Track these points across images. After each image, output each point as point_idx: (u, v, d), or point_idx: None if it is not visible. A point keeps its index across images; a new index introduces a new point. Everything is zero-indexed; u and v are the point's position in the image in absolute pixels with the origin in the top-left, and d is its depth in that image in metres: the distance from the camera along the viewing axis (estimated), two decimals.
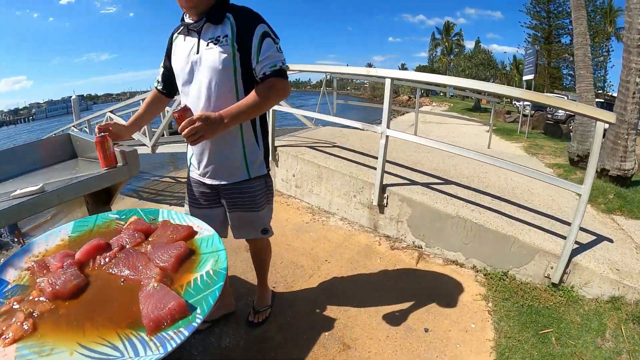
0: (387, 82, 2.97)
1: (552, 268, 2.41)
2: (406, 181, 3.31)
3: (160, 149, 6.64)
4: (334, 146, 4.29)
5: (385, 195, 3.12)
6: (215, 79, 1.52)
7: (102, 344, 0.51)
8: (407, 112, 13.87)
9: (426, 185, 3.26)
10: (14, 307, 0.55)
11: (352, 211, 3.47)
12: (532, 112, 13.80)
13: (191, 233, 0.70)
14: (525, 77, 13.73)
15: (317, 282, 2.56)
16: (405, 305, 2.34)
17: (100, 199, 1.79)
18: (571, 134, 6.88)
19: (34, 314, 0.54)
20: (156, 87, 1.83)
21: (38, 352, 0.49)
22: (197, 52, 1.54)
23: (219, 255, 0.64)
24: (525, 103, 14.51)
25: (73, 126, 10.58)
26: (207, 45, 1.52)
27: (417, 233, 3.02)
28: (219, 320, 2.17)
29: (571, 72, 30.90)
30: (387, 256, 2.90)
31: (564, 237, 2.41)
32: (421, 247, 3.00)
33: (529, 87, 12.85)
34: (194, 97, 1.58)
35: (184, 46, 1.60)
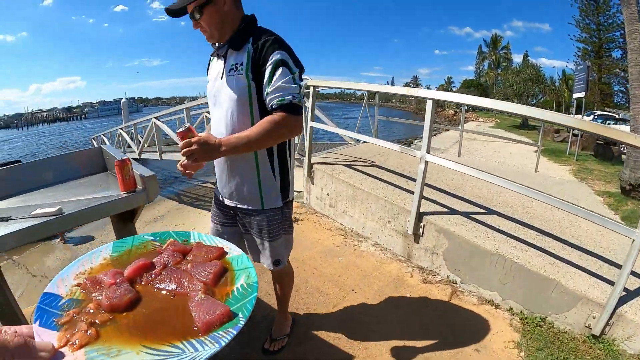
0: (429, 104, 2.80)
1: (594, 318, 2.16)
2: (445, 209, 3.10)
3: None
4: (372, 165, 4.13)
5: (422, 224, 2.94)
6: (232, 107, 1.52)
7: (164, 344, 0.56)
8: (451, 130, 13.45)
9: (466, 214, 3.03)
10: (74, 317, 0.59)
11: (386, 237, 3.31)
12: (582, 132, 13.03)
13: (222, 253, 0.79)
14: (575, 95, 13.09)
15: (341, 313, 2.43)
16: (432, 346, 2.17)
17: (123, 217, 1.76)
18: (623, 157, 6.35)
19: (94, 323, 0.58)
20: None
21: (106, 354, 0.53)
22: (222, 78, 1.54)
23: (250, 271, 0.73)
24: None
25: (121, 128, 11.19)
26: (229, 72, 1.51)
27: (452, 267, 2.82)
28: (234, 338, 2.10)
29: (622, 88, 29.19)
30: (418, 290, 2.71)
31: (610, 283, 2.18)
32: (455, 283, 2.79)
33: (579, 106, 12.16)
34: (217, 119, 1.60)
35: (214, 69, 1.62)
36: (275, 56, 1.43)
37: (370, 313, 2.44)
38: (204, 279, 0.71)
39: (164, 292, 0.69)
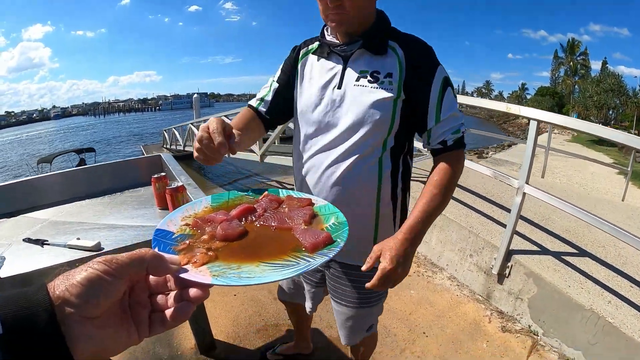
0: (532, 125, 2.43)
1: None
2: (533, 246, 2.72)
3: (269, 159, 6.61)
4: None
5: (510, 264, 2.59)
6: (361, 132, 1.11)
7: (278, 259, 0.60)
8: (521, 144, 12.50)
9: (557, 255, 2.64)
10: (190, 245, 0.61)
11: (465, 272, 2.98)
12: None
13: (310, 203, 0.83)
14: None
15: None
16: None
17: None
18: None
19: (210, 249, 0.60)
20: (256, 108, 1.30)
21: (227, 267, 0.56)
22: (340, 87, 1.13)
23: (337, 214, 0.76)
24: None
25: (191, 123, 11.62)
26: (358, 80, 1.11)
27: (536, 317, 2.45)
28: (291, 358, 2.09)
29: None
30: (495, 340, 2.38)
31: None
32: (537, 335, 2.42)
33: None
34: (323, 148, 1.17)
35: (319, 74, 1.19)
36: (441, 74, 1.09)
37: None
38: (301, 218, 0.75)
39: (268, 227, 0.73)
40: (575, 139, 20.62)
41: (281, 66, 1.31)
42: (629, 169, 6.84)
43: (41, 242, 1.36)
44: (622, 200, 6.44)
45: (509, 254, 2.60)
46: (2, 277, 1.13)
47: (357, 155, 1.12)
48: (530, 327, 2.46)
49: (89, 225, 1.53)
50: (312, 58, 1.22)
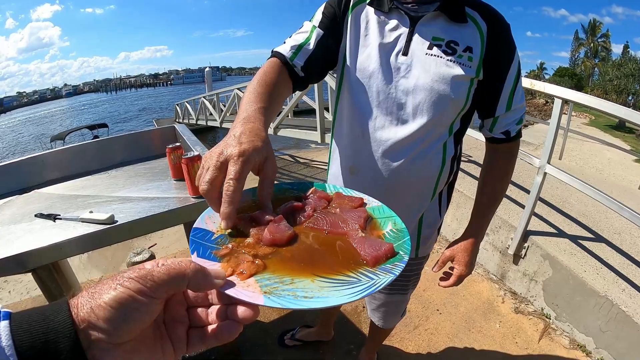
0: (557, 103, 2.33)
1: None
2: (551, 229, 2.67)
3: (283, 132, 6.34)
4: (469, 161, 3.67)
5: (526, 245, 2.54)
6: (431, 113, 0.95)
7: (336, 274, 0.52)
8: (539, 124, 12.22)
9: (574, 239, 2.59)
10: (233, 250, 0.54)
11: (480, 251, 2.87)
12: None
13: (362, 203, 0.74)
14: None
15: (421, 339, 2.18)
16: None
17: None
18: None
19: (257, 255, 0.53)
20: (289, 62, 0.94)
21: (279, 282, 0.48)
22: (406, 54, 0.94)
23: (395, 219, 0.68)
24: None
25: (204, 97, 11.44)
26: (430, 49, 0.93)
27: (550, 300, 2.42)
28: (311, 344, 2.06)
29: None
30: (508, 321, 2.36)
31: None
32: (549, 318, 2.41)
33: None
34: (383, 126, 1.00)
35: (377, 32, 0.97)
36: (517, 57, 0.96)
37: (454, 342, 2.18)
38: (356, 222, 0.67)
39: (319, 231, 0.65)
40: (592, 122, 20.12)
41: (322, 9, 1.03)
42: None
43: (53, 217, 1.33)
44: (639, 188, 6.32)
45: (526, 234, 2.55)
46: (14, 254, 1.11)
47: (424, 140, 0.99)
48: (543, 310, 2.44)
49: (102, 198, 1.51)
50: (368, 9, 0.99)
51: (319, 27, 0.99)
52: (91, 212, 1.29)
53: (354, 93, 1.02)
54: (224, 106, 9.60)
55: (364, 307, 2.23)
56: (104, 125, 16.11)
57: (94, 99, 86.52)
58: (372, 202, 0.75)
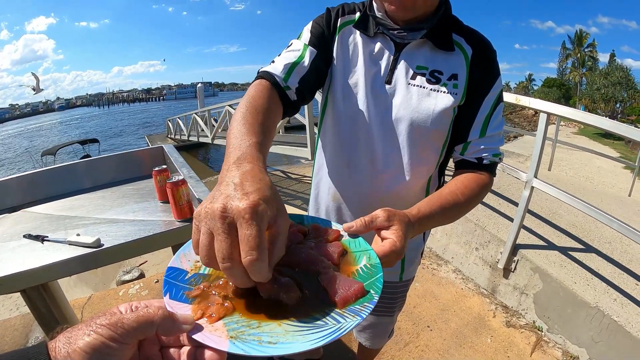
0: (542, 118, 2.38)
1: None
2: (540, 241, 2.69)
3: (273, 149, 6.30)
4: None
5: (516, 258, 2.56)
6: (414, 143, 0.92)
7: (303, 316, 0.52)
8: (528, 135, 12.31)
9: (564, 251, 2.61)
10: (204, 291, 0.54)
11: (470, 265, 2.95)
12: None
13: (339, 236, 0.73)
14: None
15: (412, 357, 2.16)
16: None
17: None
18: None
19: (227, 297, 0.53)
20: (279, 84, 0.87)
21: (247, 325, 0.48)
22: (390, 82, 0.91)
23: (370, 253, 0.67)
24: None
25: (195, 113, 11.47)
26: (413, 78, 0.90)
27: (541, 312, 2.43)
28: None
29: None
30: (499, 335, 2.35)
31: None
32: (541, 330, 2.41)
33: None
34: (360, 153, 0.97)
35: (362, 57, 0.94)
36: (498, 84, 0.92)
37: (446, 358, 2.17)
38: (329, 258, 0.66)
39: (291, 269, 0.64)
40: (581, 131, 20.40)
41: (310, 28, 0.98)
42: (636, 164, 6.73)
43: (41, 239, 1.34)
44: (629, 195, 6.35)
45: (516, 248, 2.57)
46: (3, 275, 1.11)
47: (409, 176, 0.96)
48: (535, 323, 2.44)
49: (89, 219, 1.51)
50: (354, 33, 0.96)
51: (310, 45, 0.94)
52: (78, 234, 1.30)
53: (339, 121, 0.99)
54: (216, 122, 9.64)
55: None
56: (95, 141, 16.04)
57: (86, 112, 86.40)
58: (348, 235, 0.73)
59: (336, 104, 0.98)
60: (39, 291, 1.42)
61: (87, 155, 13.22)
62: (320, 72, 0.95)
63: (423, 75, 0.89)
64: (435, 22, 0.89)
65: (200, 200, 1.36)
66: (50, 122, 65.66)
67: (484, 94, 0.91)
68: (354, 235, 0.72)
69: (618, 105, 28.33)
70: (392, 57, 0.92)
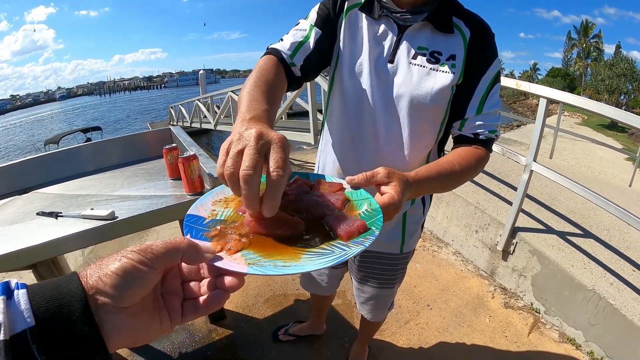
0: (542, 103, 2.39)
1: None
2: (539, 225, 2.73)
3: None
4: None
5: (515, 241, 2.60)
6: (414, 118, 0.98)
7: (312, 248, 0.58)
8: (530, 124, 12.26)
9: (562, 235, 2.65)
10: (222, 231, 0.60)
11: (469, 248, 2.99)
12: None
13: (341, 187, 0.79)
14: None
15: (412, 334, 2.22)
16: None
17: None
18: None
19: (243, 235, 0.58)
20: (285, 61, 0.94)
21: (262, 255, 0.54)
22: (392, 62, 0.98)
23: (370, 200, 0.73)
24: None
25: (198, 99, 11.44)
26: (414, 58, 0.96)
27: (539, 295, 2.48)
28: (305, 339, 2.10)
29: None
30: (498, 315, 2.42)
31: None
32: (539, 312, 2.46)
33: None
34: (369, 132, 1.03)
35: (366, 38, 1.00)
36: (497, 65, 0.97)
37: (444, 337, 2.22)
38: (334, 203, 0.72)
39: (300, 213, 0.69)
40: (585, 122, 20.28)
41: (317, 9, 1.04)
42: (638, 155, 6.71)
43: (55, 215, 1.37)
44: (630, 185, 6.36)
45: (514, 231, 2.61)
46: (19, 248, 1.15)
47: (409, 147, 1.01)
48: (533, 305, 2.49)
49: (101, 196, 1.55)
50: (360, 15, 1.01)
51: (316, 25, 1.01)
52: (92, 209, 1.34)
53: (345, 98, 1.05)
54: (218, 108, 9.58)
55: (355, 302, 2.31)
56: (98, 129, 16.08)
57: (87, 101, 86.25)
58: (350, 187, 0.80)
59: (343, 81, 1.04)
60: (50, 268, 1.45)
61: (89, 140, 13.21)
62: (324, 52, 1.02)
63: (423, 55, 0.95)
64: (436, 5, 0.95)
65: (210, 175, 1.40)
66: (52, 112, 65.60)
67: (482, 73, 0.96)
68: (355, 187, 0.78)
69: (622, 97, 28.12)
70: (395, 38, 0.97)
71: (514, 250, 2.60)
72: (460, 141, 1.02)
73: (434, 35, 0.96)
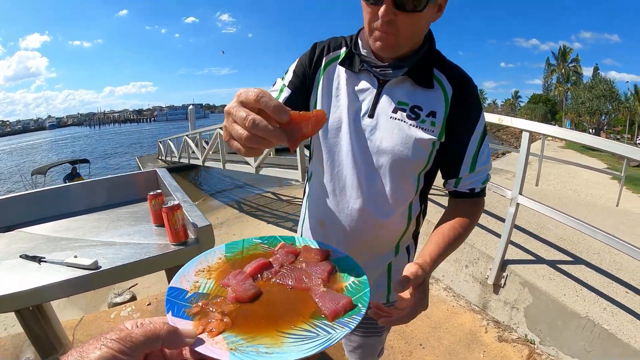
0: (525, 136, 2.45)
1: None
2: (529, 256, 2.74)
3: (264, 171, 6.50)
4: (447, 194, 3.73)
5: (505, 274, 2.60)
6: (396, 174, 0.98)
7: (296, 329, 0.57)
8: (515, 152, 12.41)
9: (552, 264, 2.66)
10: (203, 308, 0.60)
11: (461, 283, 2.98)
12: None
13: (328, 255, 0.79)
14: None
15: None
16: None
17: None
18: None
19: (224, 313, 0.58)
20: None
21: (244, 338, 0.53)
22: (372, 116, 0.97)
23: (357, 270, 0.73)
24: None
25: (186, 135, 11.51)
26: (394, 112, 0.95)
27: (533, 326, 2.46)
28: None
29: None
30: (492, 350, 2.38)
31: None
32: (533, 343, 2.43)
33: None
34: (350, 184, 1.02)
35: (346, 92, 0.99)
36: (482, 119, 0.98)
37: None
38: (319, 276, 0.72)
39: (284, 287, 0.71)
40: (568, 145, 20.74)
41: (294, 67, 1.06)
42: (622, 175, 6.84)
43: (38, 259, 1.34)
44: (617, 205, 6.42)
45: (504, 264, 2.61)
46: (2, 294, 1.12)
47: (390, 201, 1.01)
48: (527, 336, 2.46)
49: (86, 242, 1.52)
50: (339, 69, 1.01)
51: (288, 86, 1.02)
52: (76, 256, 1.31)
53: (325, 153, 1.04)
54: (207, 144, 9.62)
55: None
56: (86, 161, 15.89)
57: (77, 132, 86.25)
58: (337, 254, 0.80)
59: (322, 136, 1.04)
60: (34, 312, 1.43)
61: (74, 169, 13.11)
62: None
63: (404, 110, 0.95)
64: (417, 60, 0.94)
65: (195, 225, 1.39)
66: (41, 140, 65.41)
67: (470, 132, 0.97)
68: (342, 253, 0.79)
69: (603, 118, 28.88)
70: (375, 92, 0.97)
71: (504, 283, 2.59)
72: (456, 195, 1.05)
73: (414, 89, 0.95)
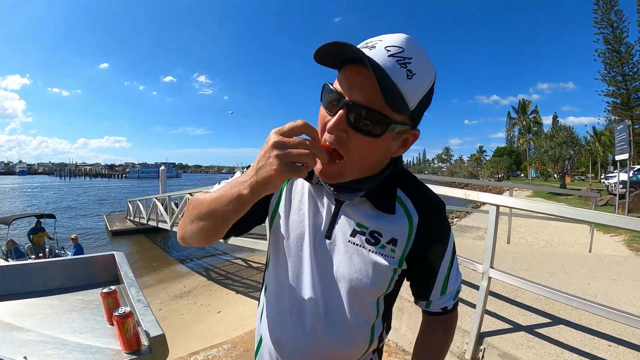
0: (492, 211, 2.51)
1: None
2: (505, 324, 2.71)
3: (233, 240, 6.25)
4: None
5: (482, 347, 2.54)
6: (354, 298, 0.89)
7: None
8: (477, 212, 12.59)
9: (529, 329, 2.64)
10: None
11: None
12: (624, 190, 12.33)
13: None
14: (618, 157, 12.57)
15: None
16: None
17: None
18: None
19: None
20: None
21: None
22: (330, 237, 0.89)
23: None
24: (617, 180, 13.29)
25: (156, 198, 11.50)
26: (352, 236, 0.87)
27: None
28: None
29: None
30: None
31: None
32: None
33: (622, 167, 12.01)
34: (304, 305, 0.93)
35: (307, 204, 0.92)
36: (451, 244, 0.93)
37: None
38: None
39: None
40: (536, 193, 21.46)
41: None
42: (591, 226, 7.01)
43: None
44: (589, 251, 6.54)
45: (481, 337, 2.57)
46: None
47: (350, 327, 0.92)
48: None
49: (38, 335, 1.41)
50: (295, 183, 0.96)
51: None
52: (25, 358, 1.19)
53: (282, 270, 0.96)
54: (176, 206, 9.59)
55: None
56: (52, 216, 15.32)
57: (47, 181, 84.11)
58: None
59: (279, 250, 0.96)
60: None
61: (37, 226, 12.66)
62: (249, 218, 0.88)
63: (363, 234, 0.87)
64: (377, 183, 0.86)
65: (147, 333, 1.26)
66: (9, 186, 63.35)
67: (439, 259, 0.92)
68: None
69: (566, 163, 30.13)
70: (332, 210, 0.89)
71: (482, 357, 2.53)
72: (429, 314, 1.03)
73: (374, 212, 0.87)
